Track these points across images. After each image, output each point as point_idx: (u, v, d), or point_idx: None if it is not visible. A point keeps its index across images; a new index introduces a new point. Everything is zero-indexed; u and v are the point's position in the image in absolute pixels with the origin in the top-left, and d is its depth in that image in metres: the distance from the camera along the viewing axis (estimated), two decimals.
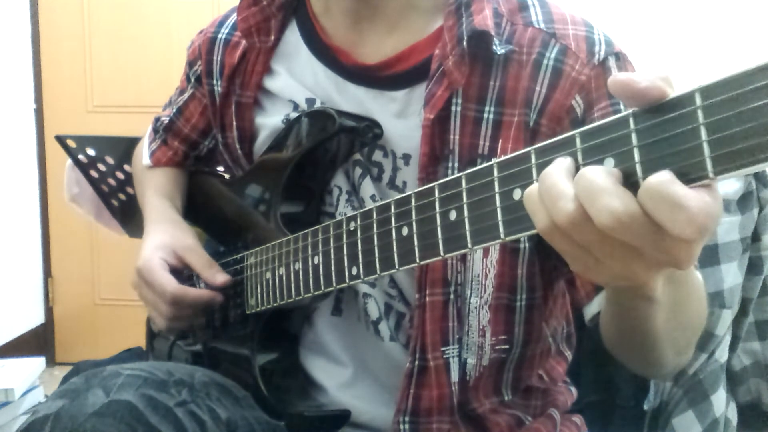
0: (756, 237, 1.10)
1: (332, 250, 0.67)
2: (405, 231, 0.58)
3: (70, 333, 2.95)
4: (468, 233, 0.52)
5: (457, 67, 0.71)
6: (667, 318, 0.57)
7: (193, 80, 0.94)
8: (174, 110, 0.98)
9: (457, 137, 0.73)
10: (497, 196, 0.49)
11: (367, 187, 0.77)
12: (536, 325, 0.79)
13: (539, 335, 0.80)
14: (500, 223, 0.49)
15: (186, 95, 0.97)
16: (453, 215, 0.53)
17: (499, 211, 0.49)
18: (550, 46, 0.72)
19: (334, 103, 0.79)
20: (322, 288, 0.69)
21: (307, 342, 0.84)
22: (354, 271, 0.64)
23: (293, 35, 0.85)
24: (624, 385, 1.10)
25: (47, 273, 2.93)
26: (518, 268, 0.75)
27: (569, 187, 0.42)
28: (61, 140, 1.26)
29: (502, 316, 0.76)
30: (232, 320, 0.86)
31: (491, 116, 0.73)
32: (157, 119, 1.02)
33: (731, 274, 1.07)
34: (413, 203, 0.57)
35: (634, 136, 0.41)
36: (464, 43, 0.71)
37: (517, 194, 0.47)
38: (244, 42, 0.85)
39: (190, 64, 0.94)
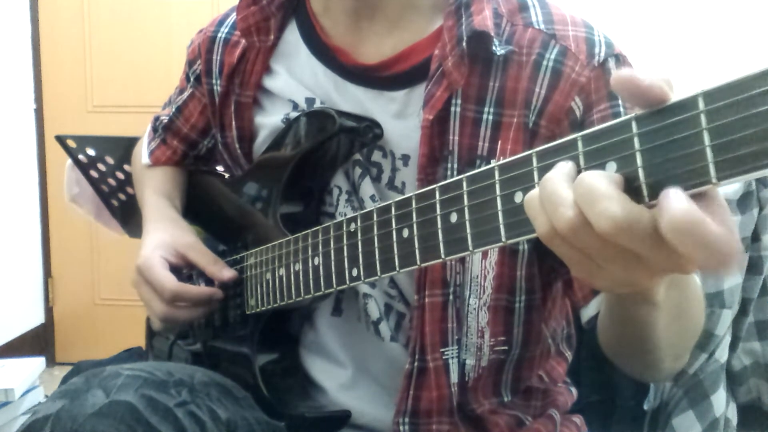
0: (756, 237, 1.10)
1: (332, 252, 0.67)
2: (406, 233, 0.58)
3: (70, 333, 2.95)
4: (469, 236, 0.51)
5: (456, 68, 0.71)
6: (668, 322, 0.57)
7: (192, 79, 0.94)
8: (173, 109, 0.98)
9: (456, 138, 0.73)
10: (498, 199, 0.49)
11: (367, 188, 0.77)
12: (535, 327, 0.79)
13: (538, 336, 0.80)
14: (501, 227, 0.49)
15: (185, 94, 0.96)
16: (454, 218, 0.53)
17: (500, 214, 0.49)
18: (550, 47, 0.72)
19: (334, 103, 0.79)
20: (322, 289, 0.69)
21: (307, 342, 0.83)
22: (354, 272, 0.64)
23: (293, 35, 0.84)
24: (624, 385, 1.10)
25: (47, 273, 2.93)
26: (517, 270, 0.75)
27: (569, 193, 0.41)
28: (61, 140, 1.26)
29: (501, 318, 0.76)
30: (231, 320, 0.86)
31: (490, 117, 0.73)
32: (157, 118, 1.02)
33: (731, 274, 1.08)
34: (414, 205, 0.57)
35: (636, 140, 0.41)
36: (464, 44, 0.70)
37: (518, 197, 0.47)
38: (243, 41, 0.85)
39: (190, 63, 0.94)
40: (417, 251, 0.57)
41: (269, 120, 0.84)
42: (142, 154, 1.03)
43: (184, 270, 0.87)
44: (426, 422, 0.76)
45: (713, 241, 0.36)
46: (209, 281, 0.85)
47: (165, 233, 0.87)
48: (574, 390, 0.91)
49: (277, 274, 0.76)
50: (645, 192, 0.40)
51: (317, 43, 0.82)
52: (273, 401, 0.77)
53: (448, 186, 0.54)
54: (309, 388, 0.83)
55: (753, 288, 1.11)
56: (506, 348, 0.77)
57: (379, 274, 0.61)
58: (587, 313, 0.72)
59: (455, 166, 0.73)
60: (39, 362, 2.09)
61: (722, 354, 1.11)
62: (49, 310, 2.94)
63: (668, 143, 0.39)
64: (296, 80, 0.83)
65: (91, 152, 1.28)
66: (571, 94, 0.71)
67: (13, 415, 1.89)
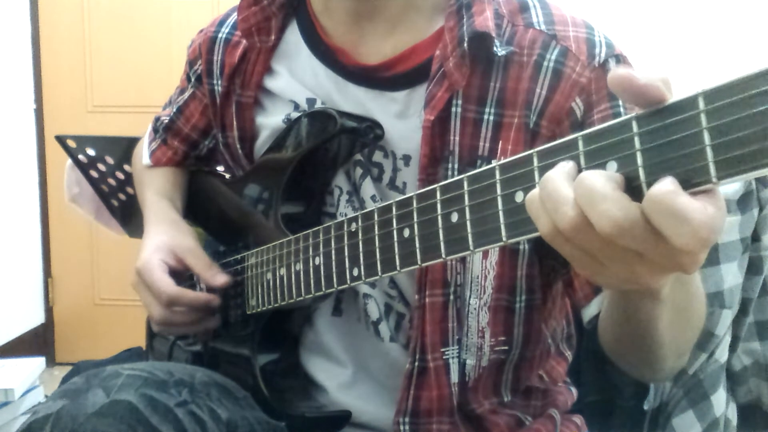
0: (756, 237, 1.10)
1: (333, 251, 0.67)
2: (406, 233, 0.58)
3: (70, 333, 2.95)
4: (470, 236, 0.51)
5: (457, 69, 0.71)
6: (671, 318, 0.57)
7: (193, 80, 0.94)
8: (174, 110, 0.98)
9: (457, 138, 0.73)
10: (499, 199, 0.49)
11: (368, 188, 0.77)
12: (535, 326, 0.79)
13: (539, 336, 0.80)
14: (502, 226, 0.49)
15: (186, 95, 0.96)
16: (455, 217, 0.53)
17: (501, 213, 0.49)
18: (551, 47, 0.72)
19: (335, 104, 0.79)
20: (323, 289, 0.69)
21: (307, 342, 0.84)
22: (355, 272, 0.64)
23: (293, 35, 0.84)
24: (624, 385, 1.10)
25: (47, 273, 2.93)
26: (518, 270, 0.75)
27: (570, 192, 0.41)
28: (61, 140, 1.26)
29: (501, 317, 0.76)
30: (232, 321, 0.86)
31: (491, 117, 0.73)
32: (157, 119, 1.02)
33: (731, 274, 1.08)
34: (415, 205, 0.57)
35: (636, 140, 0.41)
36: (465, 45, 0.71)
37: (519, 197, 0.47)
38: (244, 41, 0.85)
39: (191, 63, 0.94)
40: (418, 251, 0.57)
41: (270, 120, 0.84)
42: (143, 154, 1.02)
43: (185, 274, 0.87)
44: (426, 422, 0.76)
45: (690, 214, 0.37)
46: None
47: (165, 236, 0.87)
48: (574, 390, 0.91)
49: (277, 274, 0.76)
50: (645, 191, 0.40)
51: (318, 44, 0.82)
52: (273, 401, 0.77)
53: (449, 186, 0.54)
54: (309, 387, 0.83)
55: (753, 288, 1.11)
56: (506, 348, 0.77)
57: (379, 273, 0.61)
58: (589, 312, 0.72)
59: (456, 166, 0.73)
60: (39, 362, 2.09)
61: (722, 354, 1.11)
62: (49, 310, 2.94)
63: (668, 143, 0.39)
64: (297, 81, 0.83)
65: (91, 152, 1.28)
66: (571, 95, 0.71)
67: (13, 415, 1.89)
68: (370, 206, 0.65)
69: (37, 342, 2.86)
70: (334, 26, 0.81)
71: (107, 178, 1.29)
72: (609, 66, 0.72)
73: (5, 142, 2.70)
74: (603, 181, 0.40)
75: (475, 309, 0.75)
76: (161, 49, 2.76)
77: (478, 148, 0.73)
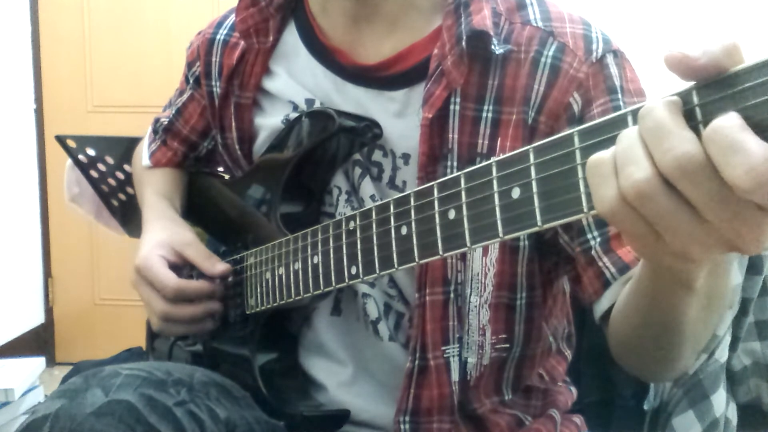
0: None
1: (331, 250, 0.67)
2: (404, 230, 0.58)
3: (70, 333, 2.95)
4: (467, 232, 0.52)
5: (455, 67, 0.71)
6: (698, 310, 0.55)
7: (191, 81, 0.94)
8: (173, 111, 0.99)
9: (455, 136, 0.73)
10: (496, 195, 0.49)
11: (367, 187, 0.77)
12: (536, 324, 0.79)
13: (539, 334, 0.80)
14: (499, 222, 0.49)
15: (185, 96, 0.97)
16: (452, 214, 0.53)
17: (497, 209, 0.49)
18: (548, 44, 0.72)
19: (333, 104, 0.79)
20: (322, 288, 0.69)
21: (306, 342, 0.83)
22: (353, 270, 0.64)
23: (292, 36, 0.84)
24: (624, 385, 1.10)
25: (47, 273, 2.93)
26: (518, 267, 0.75)
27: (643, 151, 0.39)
28: (61, 140, 1.26)
29: (502, 315, 0.76)
30: (232, 320, 0.86)
31: (490, 115, 0.73)
32: (157, 120, 1.02)
33: (731, 274, 1.07)
34: (412, 203, 0.57)
35: None
36: (463, 43, 0.71)
37: (515, 193, 0.47)
38: (242, 43, 0.85)
39: (189, 65, 0.95)
40: (415, 248, 0.57)
41: (269, 121, 0.84)
42: (143, 155, 1.03)
43: (183, 268, 0.87)
44: (427, 421, 0.76)
45: (748, 146, 0.34)
46: (209, 280, 0.85)
47: (163, 231, 0.87)
48: (573, 389, 0.91)
49: (276, 274, 0.76)
50: None
51: (316, 44, 0.82)
52: (272, 400, 0.77)
53: (446, 183, 0.54)
54: (308, 387, 0.83)
55: (753, 288, 1.11)
56: (508, 346, 0.77)
57: (378, 271, 0.61)
58: (600, 307, 0.69)
59: (455, 164, 0.73)
60: (39, 362, 2.09)
61: (722, 354, 1.11)
62: (49, 310, 2.94)
63: None
64: (296, 81, 0.83)
65: (91, 152, 1.28)
66: (569, 90, 0.71)
67: (13, 415, 1.89)
68: (369, 205, 0.65)
69: (37, 342, 2.86)
70: (333, 27, 0.81)
71: (107, 178, 1.29)
72: (606, 61, 0.72)
73: (5, 142, 2.70)
74: (670, 115, 0.38)
75: (475, 307, 0.75)
76: (161, 49, 2.76)
77: (476, 145, 0.73)
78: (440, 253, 0.54)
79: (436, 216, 0.54)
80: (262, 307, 0.80)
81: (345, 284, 0.66)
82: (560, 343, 0.87)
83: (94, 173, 1.29)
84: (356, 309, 0.80)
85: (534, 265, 0.76)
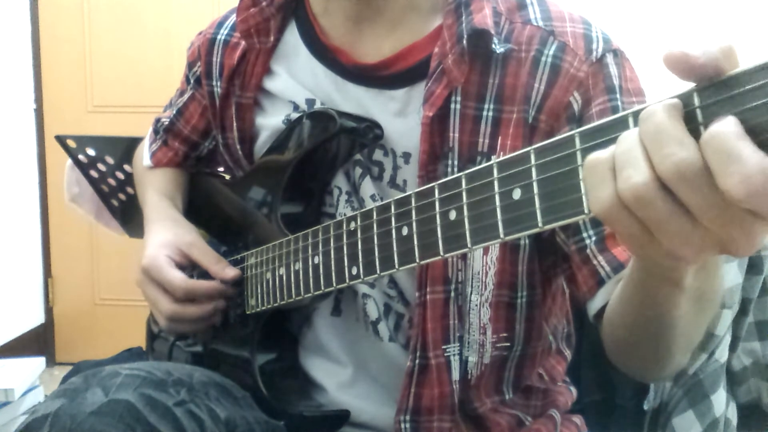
0: None
1: (332, 250, 0.67)
2: (405, 231, 0.58)
3: (70, 333, 2.95)
4: (468, 233, 0.52)
5: (456, 65, 0.71)
6: (688, 309, 0.55)
7: (192, 81, 0.94)
8: (174, 111, 0.99)
9: (456, 135, 0.73)
10: (497, 196, 0.49)
11: (368, 187, 0.77)
12: (537, 323, 0.79)
13: (540, 333, 0.80)
14: (500, 223, 0.49)
15: (186, 96, 0.97)
16: (453, 215, 0.53)
17: (498, 210, 0.49)
18: (549, 43, 0.73)
19: (334, 104, 0.79)
20: (322, 288, 0.69)
21: (306, 342, 0.84)
22: (354, 270, 0.64)
23: (292, 36, 0.84)
24: (624, 385, 1.10)
25: (47, 273, 2.93)
26: (518, 265, 0.75)
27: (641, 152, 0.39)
28: (61, 140, 1.26)
29: (502, 314, 0.76)
30: (232, 321, 0.86)
31: (490, 114, 0.73)
32: (158, 120, 1.02)
33: (731, 274, 1.07)
34: (413, 203, 0.57)
35: None
36: (464, 42, 0.71)
37: (516, 194, 0.48)
38: (243, 43, 0.85)
39: (190, 65, 0.95)
40: (416, 248, 0.57)
41: (270, 121, 0.85)
42: (144, 155, 1.03)
43: (188, 269, 0.87)
44: (427, 420, 0.76)
45: (744, 155, 0.34)
46: (211, 279, 0.85)
47: (168, 232, 0.87)
48: (573, 389, 0.91)
49: (277, 274, 0.76)
50: None
51: (317, 44, 0.82)
52: (272, 401, 0.77)
53: (447, 184, 0.54)
54: (308, 387, 0.83)
55: (753, 288, 1.11)
56: (509, 344, 0.78)
57: (378, 272, 0.61)
58: (594, 305, 0.70)
59: (456, 163, 0.73)
60: (39, 362, 2.09)
61: (722, 354, 1.11)
62: (49, 310, 2.94)
63: None
64: (296, 81, 0.83)
65: (91, 152, 1.27)
66: (569, 89, 0.71)
67: (13, 415, 1.89)
68: (370, 205, 0.65)
69: (37, 342, 2.86)
70: (334, 27, 0.81)
71: (107, 178, 1.29)
72: (606, 61, 0.72)
73: (5, 142, 2.70)
74: (670, 121, 0.38)
75: (476, 305, 0.75)
76: (161, 49, 2.76)
77: (477, 144, 0.73)
78: (441, 253, 0.54)
79: (437, 217, 0.55)
80: (263, 308, 0.80)
81: (345, 285, 0.66)
82: (560, 343, 0.87)
83: (94, 173, 1.28)
84: (356, 309, 0.80)
85: (534, 263, 0.76)
